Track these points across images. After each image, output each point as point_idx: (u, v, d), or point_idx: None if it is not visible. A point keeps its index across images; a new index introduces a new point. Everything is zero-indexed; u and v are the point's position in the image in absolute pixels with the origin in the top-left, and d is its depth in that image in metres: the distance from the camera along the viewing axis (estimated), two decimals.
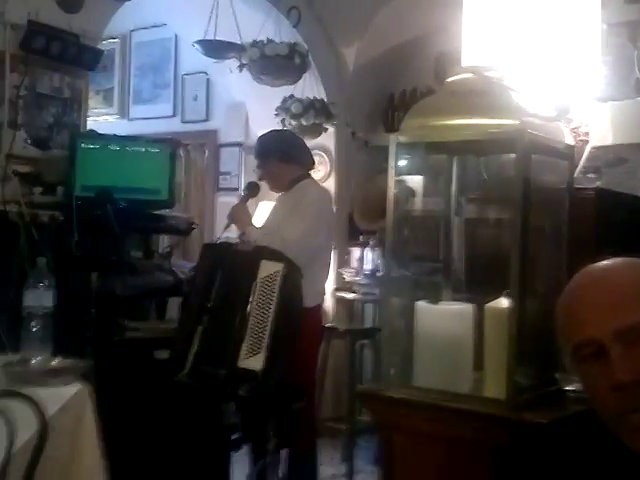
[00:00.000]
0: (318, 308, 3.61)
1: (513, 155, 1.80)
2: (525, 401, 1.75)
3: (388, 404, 1.84)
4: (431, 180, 2.27)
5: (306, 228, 3.38)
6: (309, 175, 3.68)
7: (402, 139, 1.88)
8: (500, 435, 1.64)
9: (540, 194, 1.83)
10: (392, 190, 1.90)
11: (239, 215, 3.55)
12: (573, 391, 1.79)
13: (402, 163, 1.96)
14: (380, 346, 4.35)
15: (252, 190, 3.71)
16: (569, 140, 2.05)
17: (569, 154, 1.96)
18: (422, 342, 1.88)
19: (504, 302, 1.78)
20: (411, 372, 1.89)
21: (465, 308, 1.89)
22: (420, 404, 1.79)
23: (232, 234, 3.70)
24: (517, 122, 1.74)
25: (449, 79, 1.90)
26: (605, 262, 1.19)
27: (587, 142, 2.08)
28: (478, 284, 2.04)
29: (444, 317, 1.87)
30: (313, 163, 3.78)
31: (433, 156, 2.17)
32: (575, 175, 2.06)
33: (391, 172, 1.87)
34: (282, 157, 3.57)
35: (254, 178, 3.87)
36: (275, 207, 3.72)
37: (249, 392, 2.82)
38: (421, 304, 1.91)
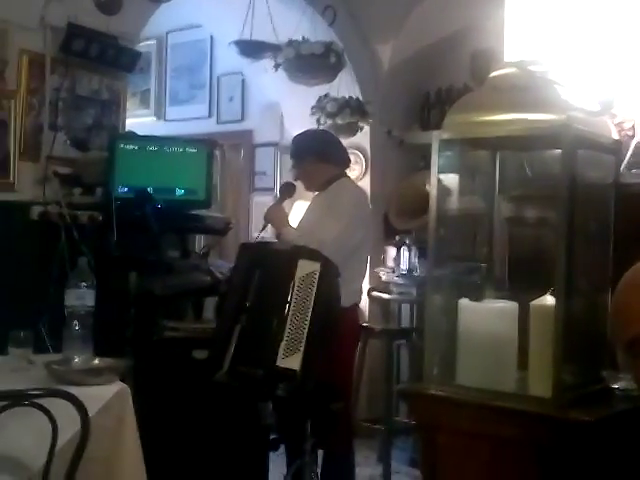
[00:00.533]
0: (355, 307, 3.59)
1: (558, 151, 1.77)
2: (571, 399, 1.73)
3: (430, 402, 1.82)
4: (468, 178, 2.24)
5: (343, 227, 3.37)
6: (345, 174, 3.67)
7: (445, 136, 1.86)
8: (546, 434, 1.61)
9: (586, 190, 1.80)
10: (435, 188, 1.88)
11: (275, 216, 3.55)
12: (620, 389, 1.76)
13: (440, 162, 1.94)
14: (417, 346, 4.35)
15: (288, 190, 3.70)
16: (615, 135, 2.02)
17: (616, 149, 1.92)
18: (465, 340, 1.86)
19: (550, 300, 1.75)
20: (454, 370, 1.87)
21: (509, 306, 1.86)
22: (463, 402, 1.77)
23: (268, 234, 3.71)
24: (562, 117, 1.71)
25: (492, 74, 1.87)
26: None
27: (632, 137, 2.04)
28: (522, 282, 2.01)
29: (488, 315, 1.85)
30: (349, 162, 3.76)
31: (472, 154, 2.14)
32: (620, 171, 2.02)
33: (434, 169, 1.86)
34: (318, 156, 3.57)
35: (290, 178, 3.87)
36: (311, 206, 3.71)
37: (287, 392, 2.82)
38: (464, 302, 1.89)
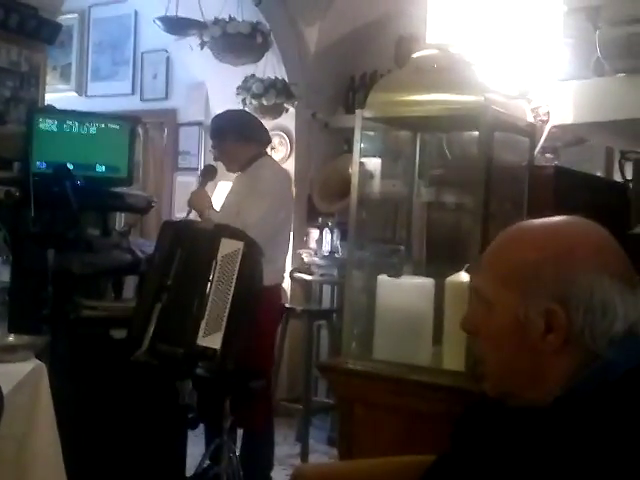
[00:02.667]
0: (278, 287, 3.61)
1: (476, 133, 1.82)
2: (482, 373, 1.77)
3: (348, 376, 1.85)
4: (390, 162, 2.28)
5: (266, 208, 3.37)
6: (266, 153, 3.67)
7: (367, 114, 1.88)
8: (460, 407, 1.66)
9: (501, 171, 1.86)
10: (357, 166, 1.91)
11: (198, 200, 3.52)
12: None
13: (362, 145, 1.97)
14: (337, 327, 4.40)
15: (209, 173, 3.67)
16: (530, 118, 2.08)
17: (530, 132, 1.99)
18: (383, 315, 1.90)
19: (464, 276, 1.80)
20: (372, 346, 1.90)
21: (426, 282, 1.91)
22: (380, 376, 1.80)
23: (192, 216, 3.68)
24: (480, 98, 1.76)
25: (414, 55, 1.91)
26: (530, 221, 1.24)
27: (547, 122, 2.11)
28: (439, 262, 2.06)
29: (405, 290, 1.89)
30: (269, 141, 3.77)
31: (394, 136, 2.18)
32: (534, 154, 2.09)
33: (356, 147, 1.88)
34: (238, 137, 3.55)
35: (210, 159, 3.85)
36: (233, 188, 3.70)
37: (207, 371, 2.82)
38: (383, 278, 1.92)
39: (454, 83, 1.83)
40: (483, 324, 1.21)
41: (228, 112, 3.89)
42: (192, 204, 3.52)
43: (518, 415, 1.19)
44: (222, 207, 3.58)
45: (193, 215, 3.57)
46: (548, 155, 2.16)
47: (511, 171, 2.01)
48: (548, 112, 2.11)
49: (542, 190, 1.91)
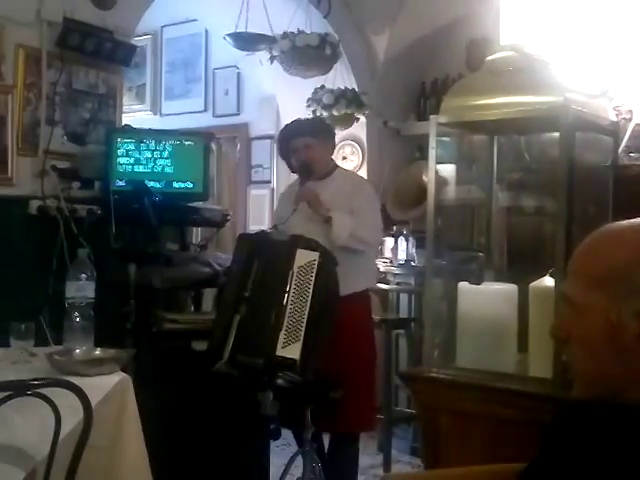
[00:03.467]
0: (366, 291, 3.52)
1: (556, 134, 1.77)
2: (571, 380, 1.73)
3: (432, 385, 1.83)
4: (465, 168, 2.25)
5: (379, 225, 3.40)
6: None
7: (442, 119, 1.86)
8: (547, 414, 1.62)
9: (584, 172, 1.81)
10: (433, 173, 1.89)
11: (312, 195, 3.33)
12: None
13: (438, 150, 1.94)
14: (416, 336, 4.36)
15: (306, 170, 3.44)
16: (612, 117, 2.03)
17: (614, 130, 1.93)
18: (465, 323, 1.87)
19: (549, 281, 1.76)
20: (454, 353, 1.88)
21: (508, 288, 1.87)
22: (464, 384, 1.78)
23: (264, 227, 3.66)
24: (560, 98, 1.72)
25: (488, 57, 1.88)
26: (617, 223, 1.20)
27: (630, 120, 2.05)
28: (521, 267, 2.02)
29: (487, 297, 1.85)
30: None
31: (469, 141, 2.15)
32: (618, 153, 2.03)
33: (432, 154, 1.86)
34: (333, 144, 3.58)
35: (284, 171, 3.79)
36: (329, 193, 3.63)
37: (287, 381, 2.83)
38: (464, 285, 1.90)
39: (531, 84, 1.79)
40: (574, 330, 1.18)
41: (323, 118, 3.90)
42: (306, 198, 3.33)
43: (614, 420, 1.15)
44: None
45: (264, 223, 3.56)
46: (633, 154, 2.10)
47: (594, 172, 1.96)
48: (631, 110, 2.05)
49: (628, 190, 1.85)
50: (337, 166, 3.59)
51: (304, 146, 3.44)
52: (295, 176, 3.64)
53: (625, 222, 1.20)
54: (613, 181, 1.91)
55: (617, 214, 1.84)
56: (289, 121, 3.67)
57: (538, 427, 1.40)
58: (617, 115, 2.06)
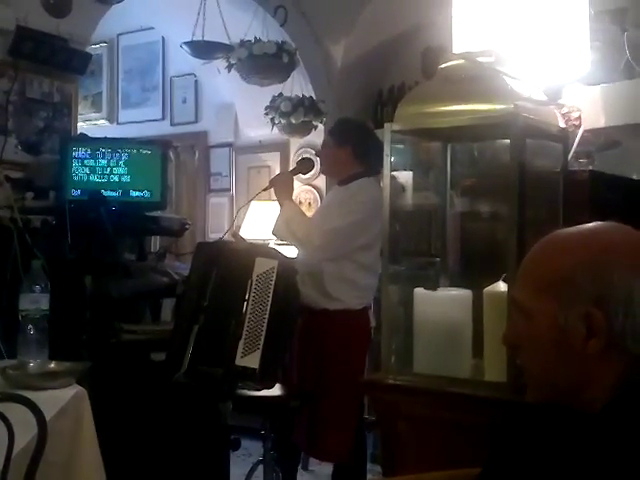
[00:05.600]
0: (365, 311, 3.50)
1: (507, 141, 1.80)
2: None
3: (389, 391, 1.84)
4: (422, 174, 2.27)
5: (346, 224, 3.30)
6: (370, 176, 3.50)
7: (396, 127, 1.88)
8: (502, 418, 1.64)
9: (535, 178, 1.84)
10: (388, 180, 1.90)
11: (282, 185, 3.39)
12: None
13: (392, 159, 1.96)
14: (374, 341, 4.36)
15: (305, 165, 3.54)
16: (562, 124, 2.06)
17: (563, 137, 1.97)
18: (421, 329, 1.88)
19: (502, 286, 1.78)
20: (411, 360, 1.89)
21: (463, 293, 1.89)
22: (420, 390, 1.79)
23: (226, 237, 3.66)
24: (510, 106, 1.74)
25: (441, 66, 1.90)
26: (565, 229, 1.22)
27: (579, 127, 2.09)
28: (476, 273, 2.04)
29: (442, 303, 1.87)
30: (378, 172, 3.55)
31: (425, 148, 2.17)
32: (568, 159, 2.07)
33: (386, 161, 1.87)
34: (356, 150, 3.45)
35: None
36: (326, 201, 3.63)
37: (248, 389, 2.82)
38: (419, 291, 1.91)
39: (483, 92, 1.82)
40: (524, 335, 1.20)
41: (357, 121, 3.83)
42: (275, 184, 3.39)
43: (565, 423, 1.17)
44: (311, 217, 3.54)
45: (227, 236, 3.56)
46: (582, 160, 2.14)
47: (545, 178, 1.99)
48: (580, 117, 2.09)
49: (577, 195, 1.89)
50: (361, 177, 3.46)
51: (322, 142, 3.50)
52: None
53: (572, 228, 1.22)
54: (563, 186, 1.94)
55: (567, 219, 1.88)
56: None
57: (493, 431, 1.41)
58: (567, 122, 2.10)
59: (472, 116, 1.81)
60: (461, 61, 1.91)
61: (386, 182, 1.91)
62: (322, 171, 3.66)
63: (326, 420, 3.30)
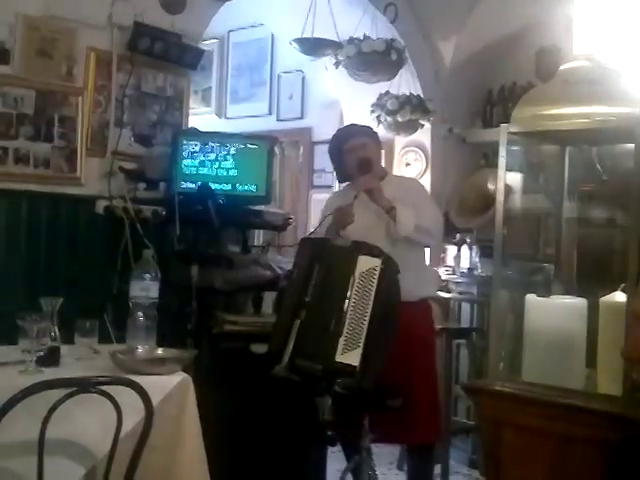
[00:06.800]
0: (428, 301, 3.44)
1: (630, 146, 1.73)
2: None
3: (496, 398, 1.80)
4: (532, 177, 2.21)
5: (441, 218, 3.38)
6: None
7: (513, 128, 1.83)
8: (615, 433, 1.58)
9: None
10: (503, 182, 1.85)
11: (343, 216, 3.26)
12: None
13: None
14: (477, 346, 4.29)
15: (365, 166, 3.33)
16: None
17: None
18: (532, 336, 1.83)
19: (620, 296, 1.71)
20: (520, 367, 1.84)
21: (578, 302, 1.83)
22: (530, 399, 1.74)
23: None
24: (636, 110, 1.67)
25: (562, 67, 1.84)
26: None
27: None
28: (590, 281, 1.97)
29: (555, 311, 1.81)
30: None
31: (538, 151, 2.11)
32: None
33: (501, 162, 1.83)
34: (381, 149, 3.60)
35: None
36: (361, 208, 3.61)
37: (345, 388, 2.81)
38: (531, 297, 1.86)
39: (606, 95, 1.75)
40: None
41: None
42: (369, 186, 3.26)
43: None
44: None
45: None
46: None
47: None
48: None
49: None
50: (388, 172, 3.59)
51: (361, 145, 3.41)
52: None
53: None
54: None
55: None
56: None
57: (605, 446, 1.36)
58: None
59: (594, 119, 1.74)
60: (583, 62, 1.85)
61: (500, 185, 1.87)
62: (368, 174, 3.48)
63: (419, 406, 3.21)
